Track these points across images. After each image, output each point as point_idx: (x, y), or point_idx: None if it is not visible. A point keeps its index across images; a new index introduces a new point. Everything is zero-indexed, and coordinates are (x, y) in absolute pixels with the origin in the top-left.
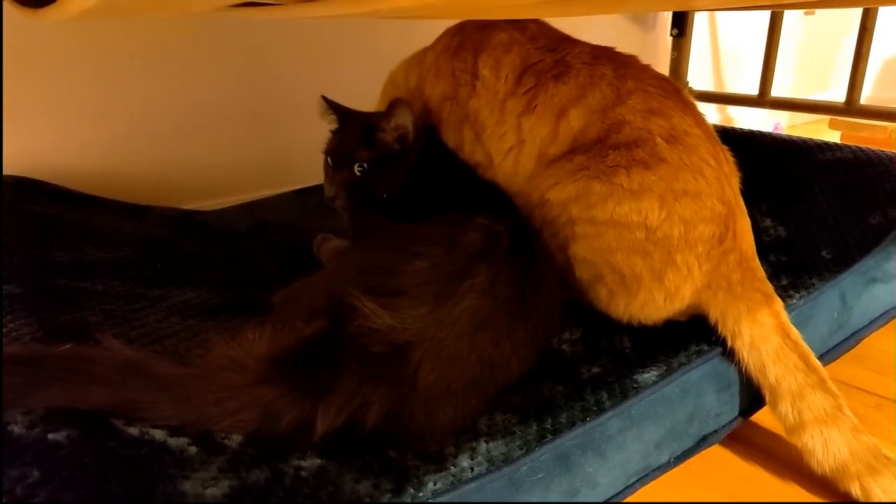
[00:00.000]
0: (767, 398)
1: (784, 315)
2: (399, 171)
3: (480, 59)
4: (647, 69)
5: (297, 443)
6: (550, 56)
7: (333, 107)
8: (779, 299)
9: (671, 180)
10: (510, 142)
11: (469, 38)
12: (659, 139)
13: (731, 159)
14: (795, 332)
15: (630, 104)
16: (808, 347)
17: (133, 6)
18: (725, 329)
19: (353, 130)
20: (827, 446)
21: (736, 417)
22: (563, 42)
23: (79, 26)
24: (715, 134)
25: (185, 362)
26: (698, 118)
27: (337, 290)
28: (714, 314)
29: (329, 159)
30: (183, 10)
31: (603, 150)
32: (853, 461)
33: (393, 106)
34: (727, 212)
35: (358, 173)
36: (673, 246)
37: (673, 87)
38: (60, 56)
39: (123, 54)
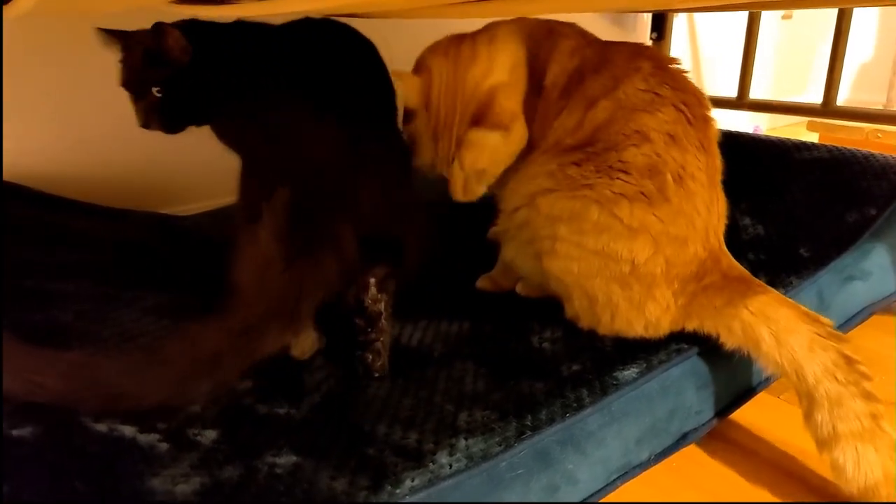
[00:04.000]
0: (804, 407)
1: (803, 307)
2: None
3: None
4: (683, 77)
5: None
6: (597, 56)
7: (116, 35)
8: (791, 300)
9: (669, 224)
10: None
11: (539, 46)
12: (670, 176)
13: (724, 204)
14: (825, 319)
15: (659, 118)
16: (843, 335)
17: None
18: (739, 341)
19: (135, 55)
20: (859, 465)
21: (716, 415)
22: (607, 44)
23: (54, 25)
24: (718, 177)
25: (224, 298)
26: (710, 158)
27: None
28: (714, 333)
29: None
30: (136, 2)
31: (613, 171)
32: (885, 484)
33: (159, 29)
34: (707, 256)
35: (158, 95)
36: (654, 282)
37: (702, 113)
38: (35, 57)
39: (100, 54)
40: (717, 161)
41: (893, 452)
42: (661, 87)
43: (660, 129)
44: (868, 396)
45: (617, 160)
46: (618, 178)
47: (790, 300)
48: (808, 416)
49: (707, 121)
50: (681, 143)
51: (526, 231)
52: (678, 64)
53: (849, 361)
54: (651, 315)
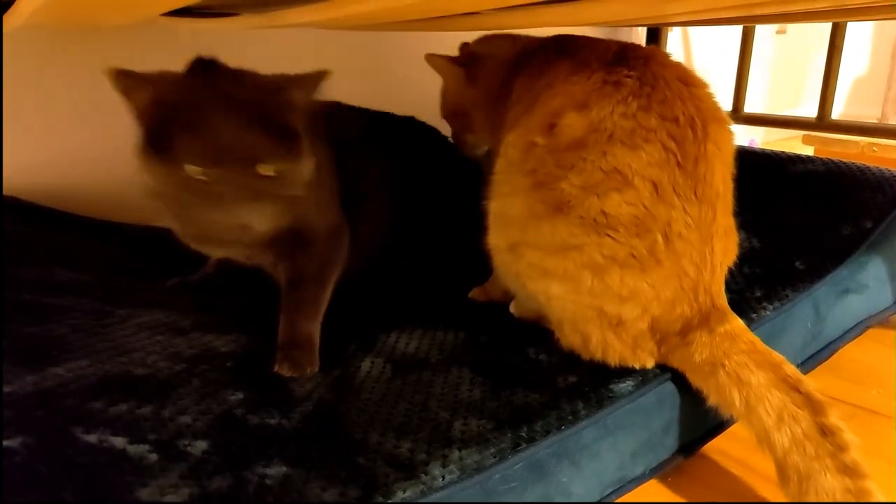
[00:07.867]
0: (777, 475)
1: (789, 367)
2: None
3: None
4: (679, 95)
5: None
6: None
7: None
8: (778, 356)
9: (660, 289)
10: None
11: None
12: (659, 236)
13: (727, 249)
14: (807, 384)
15: (643, 158)
16: (825, 401)
17: (80, 7)
18: (714, 399)
19: None
20: None
21: (712, 430)
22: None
23: (48, 36)
24: (718, 224)
25: None
26: (704, 207)
27: None
28: (694, 386)
29: None
30: (133, 16)
31: (599, 227)
32: None
33: None
34: (693, 314)
35: None
36: (640, 335)
37: (697, 152)
38: (30, 69)
39: (95, 65)
40: (717, 207)
41: None
42: (646, 115)
43: (644, 173)
44: (846, 470)
45: (600, 211)
46: (607, 237)
47: (776, 360)
48: (781, 486)
49: (703, 160)
50: (666, 195)
51: (517, 279)
52: (676, 74)
53: (824, 433)
54: (639, 357)
